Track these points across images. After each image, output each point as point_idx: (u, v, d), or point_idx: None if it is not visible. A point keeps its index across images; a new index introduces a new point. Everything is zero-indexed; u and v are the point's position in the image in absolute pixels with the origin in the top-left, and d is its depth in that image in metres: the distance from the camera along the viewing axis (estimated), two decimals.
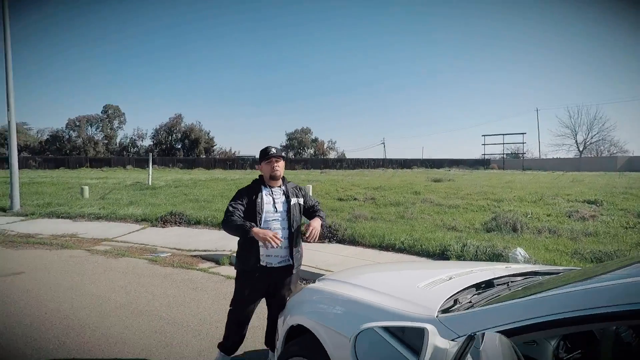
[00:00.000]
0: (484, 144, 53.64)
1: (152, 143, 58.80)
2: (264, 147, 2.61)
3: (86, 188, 12.82)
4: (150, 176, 17.25)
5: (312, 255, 5.92)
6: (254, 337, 3.19)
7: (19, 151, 51.14)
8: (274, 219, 2.54)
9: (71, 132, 56.54)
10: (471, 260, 5.38)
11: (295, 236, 2.58)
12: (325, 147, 68.77)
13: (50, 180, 18.47)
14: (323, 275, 2.94)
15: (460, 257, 5.57)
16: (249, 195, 2.56)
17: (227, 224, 2.42)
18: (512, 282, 1.86)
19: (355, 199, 11.73)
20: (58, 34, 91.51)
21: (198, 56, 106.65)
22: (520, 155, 53.86)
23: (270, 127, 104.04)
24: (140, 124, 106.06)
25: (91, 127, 57.87)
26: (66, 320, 3.59)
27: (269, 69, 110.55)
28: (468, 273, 2.05)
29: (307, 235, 2.54)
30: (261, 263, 2.50)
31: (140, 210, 9.64)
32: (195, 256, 6.12)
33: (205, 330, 3.41)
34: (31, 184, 16.64)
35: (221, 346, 2.71)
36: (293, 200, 2.62)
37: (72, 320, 3.60)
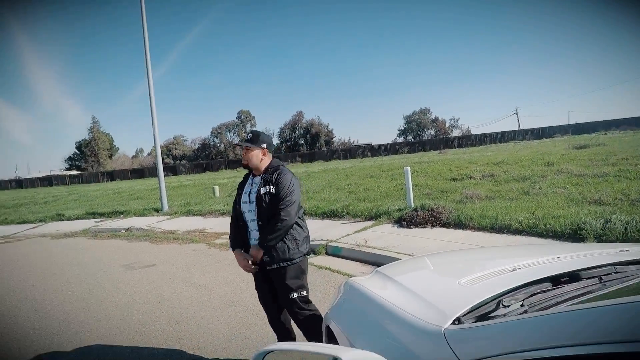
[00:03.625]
0: None
1: (279, 141, 63.99)
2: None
3: (217, 187, 14.57)
4: None
5: (408, 241, 5.46)
6: None
7: (178, 159, 62.34)
8: (249, 211, 2.40)
9: (214, 139, 65.74)
10: (615, 241, 4.18)
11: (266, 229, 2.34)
12: (446, 125, 64.39)
13: (192, 183, 21.69)
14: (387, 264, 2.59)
15: (600, 237, 4.40)
16: (240, 186, 2.53)
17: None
18: (616, 272, 1.26)
19: (470, 178, 10.51)
20: (197, 67, 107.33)
21: (318, 51, 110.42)
22: None
23: (386, 112, 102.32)
24: (268, 124, 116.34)
25: (229, 133, 66.15)
26: (172, 309, 4.03)
27: (381, 54, 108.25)
28: (551, 262, 1.48)
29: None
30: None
31: None
32: None
33: None
34: (179, 187, 19.79)
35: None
36: (262, 190, 2.36)
37: (176, 309, 4.01)
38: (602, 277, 1.24)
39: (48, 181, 48.20)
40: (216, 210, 10.85)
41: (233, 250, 2.54)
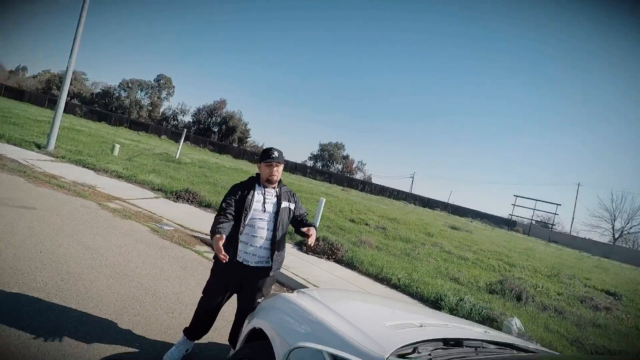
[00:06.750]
0: (514, 205, 51.80)
1: (191, 120, 60.64)
2: (266, 148, 2.66)
3: (117, 146, 13.32)
4: (179, 151, 17.75)
5: (305, 267, 5.88)
6: (223, 331, 3.18)
7: (71, 97, 54.11)
8: (261, 219, 2.57)
9: (122, 91, 59.28)
10: (463, 317, 5.19)
11: (279, 240, 2.59)
12: (353, 166, 68.78)
13: (88, 131, 19.32)
14: (307, 288, 2.91)
15: (453, 311, 5.38)
16: (242, 191, 2.60)
17: (213, 222, 2.47)
18: (482, 347, 1.78)
19: (366, 224, 11.61)
20: None
21: (255, 47, 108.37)
22: (550, 225, 51.46)
23: (304, 133, 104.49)
24: (186, 99, 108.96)
25: (141, 92, 60.39)
26: (56, 264, 3.71)
27: (318, 73, 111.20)
28: (442, 326, 1.99)
29: (308, 240, 2.54)
30: (237, 259, 2.52)
31: (159, 180, 9.91)
32: (195, 237, 6.22)
33: (179, 310, 3.43)
34: (71, 129, 17.46)
35: (186, 331, 2.71)
36: (284, 204, 2.64)
37: (61, 265, 3.70)
38: (477, 348, 1.76)
39: None
40: (113, 170, 9.97)
41: (218, 234, 2.36)
